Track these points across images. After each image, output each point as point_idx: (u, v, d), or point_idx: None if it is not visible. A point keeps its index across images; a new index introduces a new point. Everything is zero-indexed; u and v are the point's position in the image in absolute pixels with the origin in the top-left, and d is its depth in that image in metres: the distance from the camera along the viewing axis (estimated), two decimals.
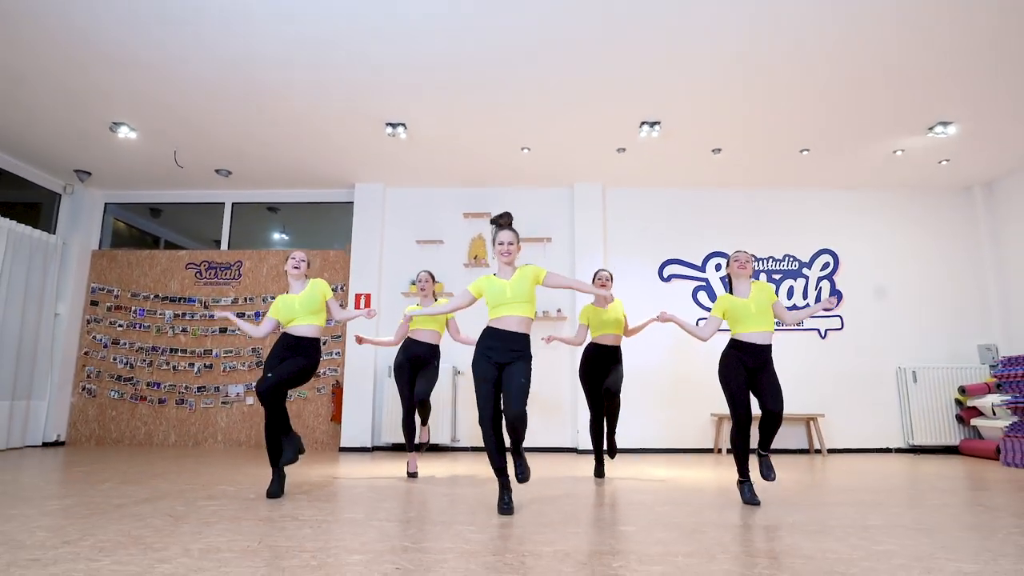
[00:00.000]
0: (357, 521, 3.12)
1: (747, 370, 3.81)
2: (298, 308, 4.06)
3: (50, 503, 3.50)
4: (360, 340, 5.05)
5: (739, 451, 3.83)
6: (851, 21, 4.47)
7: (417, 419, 5.06)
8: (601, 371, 4.93)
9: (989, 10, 4.30)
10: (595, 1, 4.30)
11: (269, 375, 3.88)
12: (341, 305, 6.94)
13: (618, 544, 2.68)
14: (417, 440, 5.09)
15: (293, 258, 4.16)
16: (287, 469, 4.81)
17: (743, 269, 3.93)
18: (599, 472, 4.98)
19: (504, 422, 3.48)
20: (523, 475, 3.48)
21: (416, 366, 5.01)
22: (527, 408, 3.47)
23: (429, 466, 5.69)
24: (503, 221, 3.77)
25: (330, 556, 2.42)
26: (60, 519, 3.06)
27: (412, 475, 4.91)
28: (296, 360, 3.98)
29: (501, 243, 3.66)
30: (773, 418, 3.76)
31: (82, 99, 5.70)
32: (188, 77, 5.35)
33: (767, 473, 3.85)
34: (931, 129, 6.10)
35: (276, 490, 3.84)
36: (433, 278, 5.18)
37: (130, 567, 2.23)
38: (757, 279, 6.70)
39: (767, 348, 3.84)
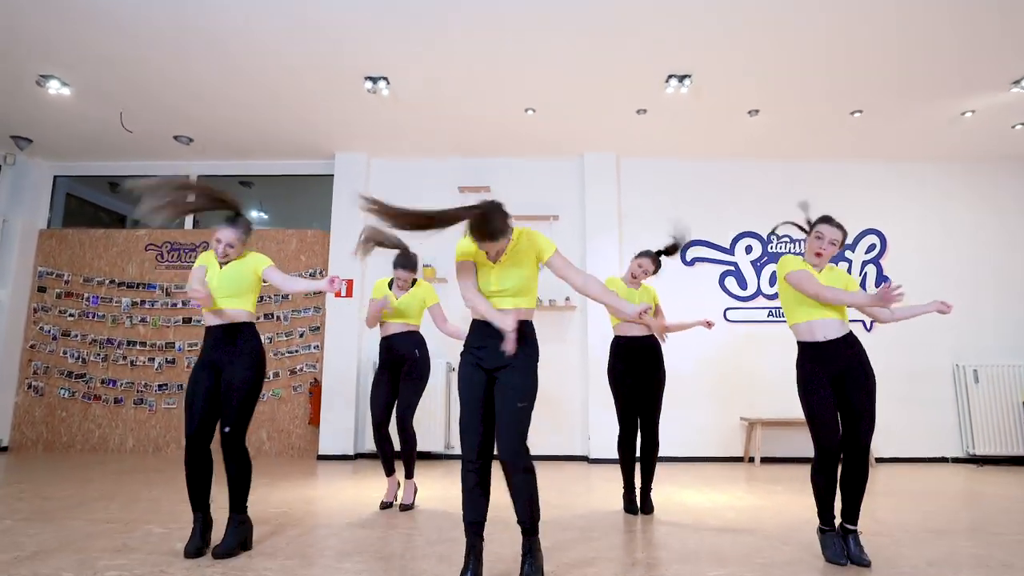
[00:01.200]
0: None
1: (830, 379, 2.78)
2: (216, 287, 2.92)
3: None
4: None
5: (820, 491, 2.81)
6: None
7: (395, 439, 3.92)
8: (636, 374, 3.82)
9: None
10: None
11: (226, 429, 2.81)
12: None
13: None
14: (393, 498, 3.93)
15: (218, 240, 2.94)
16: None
17: (821, 256, 2.89)
18: (630, 506, 3.83)
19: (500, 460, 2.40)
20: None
21: (396, 368, 3.95)
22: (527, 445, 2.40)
23: (418, 479, 4.78)
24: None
25: None
26: None
27: (386, 505, 3.87)
28: (240, 371, 2.86)
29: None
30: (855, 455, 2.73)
31: (3, 47, 4.73)
32: (128, 22, 4.40)
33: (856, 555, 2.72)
34: (1017, 83, 5.10)
35: (195, 547, 2.78)
36: (412, 267, 3.98)
37: None
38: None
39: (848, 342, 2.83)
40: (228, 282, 2.94)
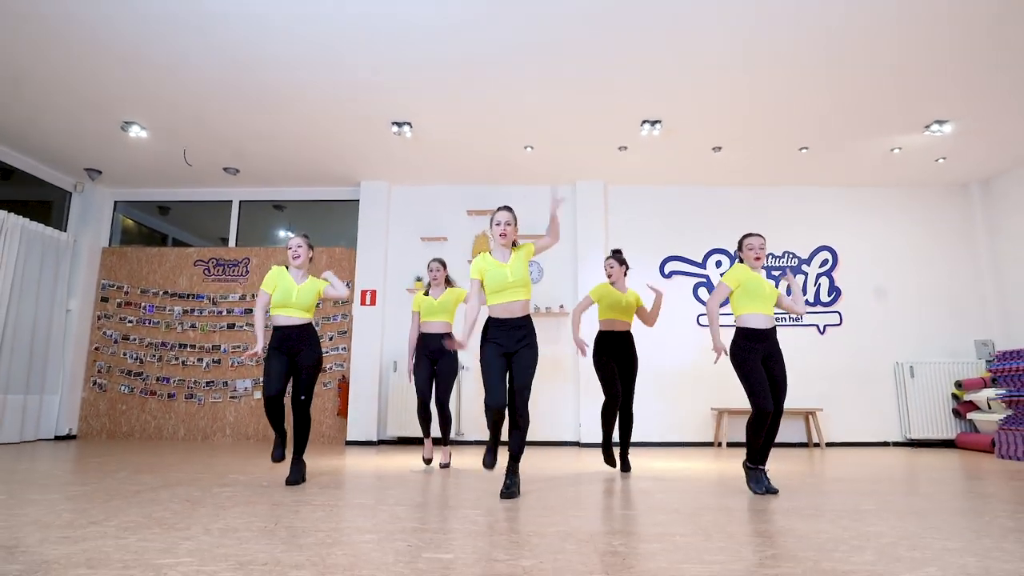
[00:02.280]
0: (368, 506, 3.24)
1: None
2: (295, 299, 4.09)
3: (71, 489, 3.63)
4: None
5: (757, 437, 3.73)
6: (848, 21, 4.57)
7: (434, 426, 5.07)
8: (617, 359, 4.77)
9: (985, 9, 4.40)
10: (596, 4, 4.41)
11: (302, 397, 4.03)
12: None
13: (619, 526, 2.80)
14: (431, 454, 5.03)
15: (288, 247, 4.23)
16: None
17: (758, 260, 3.86)
18: (609, 458, 4.81)
19: (508, 408, 3.59)
20: (510, 491, 3.49)
21: (433, 360, 4.97)
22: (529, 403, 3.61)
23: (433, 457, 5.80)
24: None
25: (344, 535, 2.53)
26: (83, 503, 3.19)
27: (427, 461, 4.96)
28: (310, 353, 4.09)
29: (499, 223, 3.67)
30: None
31: (94, 99, 5.83)
32: (198, 77, 5.47)
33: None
34: (927, 127, 6.20)
35: (281, 454, 4.16)
36: (444, 266, 5.10)
37: (155, 543, 2.35)
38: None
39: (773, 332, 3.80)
40: (304, 296, 4.15)
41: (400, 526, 2.73)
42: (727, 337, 4.61)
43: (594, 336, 4.95)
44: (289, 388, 4.08)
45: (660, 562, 2.17)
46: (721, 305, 3.93)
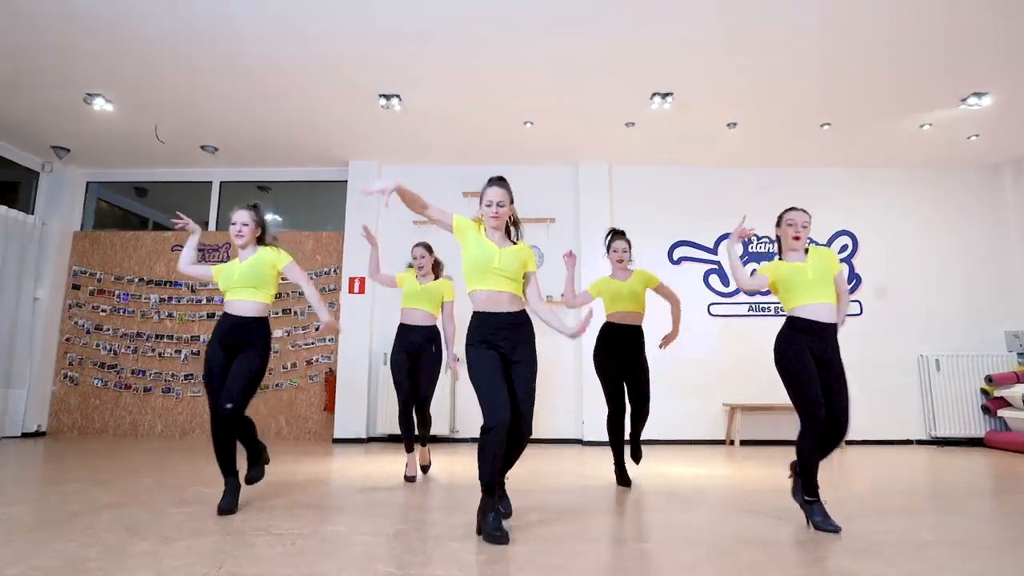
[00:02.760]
0: (339, 536, 2.77)
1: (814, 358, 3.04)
2: (237, 278, 3.34)
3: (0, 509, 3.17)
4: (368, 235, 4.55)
5: (811, 464, 3.01)
6: None
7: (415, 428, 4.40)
8: (621, 357, 4.14)
9: None
10: None
11: (228, 404, 3.15)
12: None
13: (634, 566, 2.32)
14: (415, 471, 4.36)
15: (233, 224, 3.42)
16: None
17: (797, 240, 3.16)
18: (622, 479, 4.16)
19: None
20: (498, 535, 2.66)
21: (414, 356, 4.35)
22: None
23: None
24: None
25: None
26: (2, 532, 2.72)
27: (410, 479, 4.30)
28: (247, 357, 3.26)
29: (489, 203, 2.90)
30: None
31: (55, 69, 5.29)
32: (166, 47, 4.93)
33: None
34: (964, 100, 5.66)
35: (230, 503, 3.21)
36: (431, 251, 4.51)
37: None
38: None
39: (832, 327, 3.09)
40: (250, 270, 3.33)
41: (372, 570, 2.26)
42: (772, 328, 3.51)
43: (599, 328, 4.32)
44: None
45: None
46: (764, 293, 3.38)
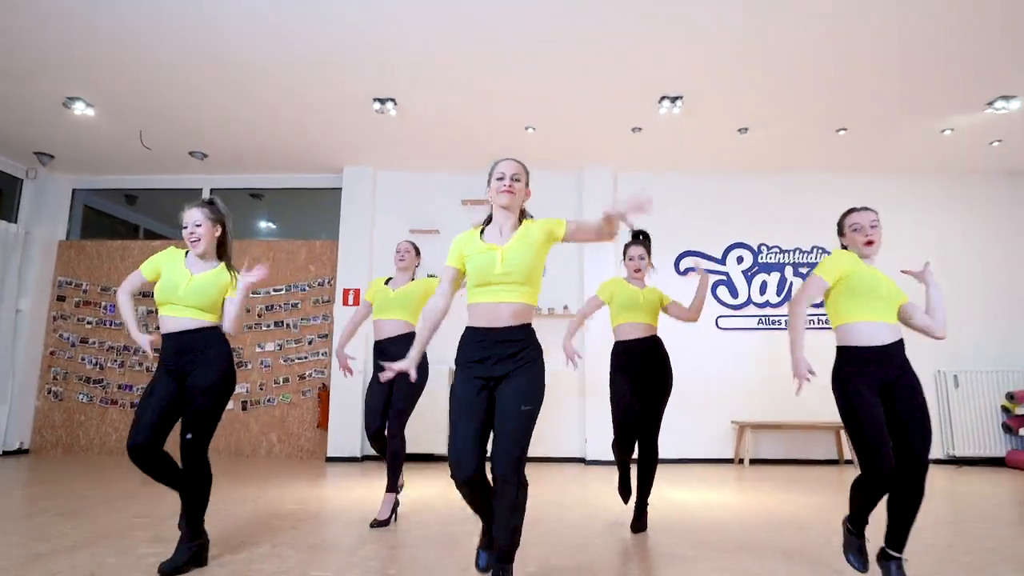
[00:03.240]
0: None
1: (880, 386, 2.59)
2: (182, 294, 2.77)
3: None
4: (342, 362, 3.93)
5: (866, 504, 2.63)
6: None
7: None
8: (636, 376, 3.56)
9: None
10: None
11: (187, 435, 2.65)
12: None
13: None
14: (382, 515, 3.61)
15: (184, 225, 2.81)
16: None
17: (873, 244, 2.72)
18: (625, 491, 3.73)
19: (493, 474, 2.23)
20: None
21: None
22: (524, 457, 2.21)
23: (419, 484, 5.06)
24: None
25: None
26: None
27: (380, 523, 3.54)
28: (202, 387, 2.68)
29: (501, 176, 2.40)
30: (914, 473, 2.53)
31: (31, 71, 5.03)
32: (147, 48, 4.68)
33: None
34: (991, 104, 5.39)
35: (173, 565, 2.60)
36: (417, 250, 4.02)
37: None
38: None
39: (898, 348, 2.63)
40: (198, 290, 2.76)
41: None
42: (820, 357, 3.07)
43: (611, 348, 3.78)
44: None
45: None
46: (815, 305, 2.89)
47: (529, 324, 2.35)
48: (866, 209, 2.78)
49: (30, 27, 4.38)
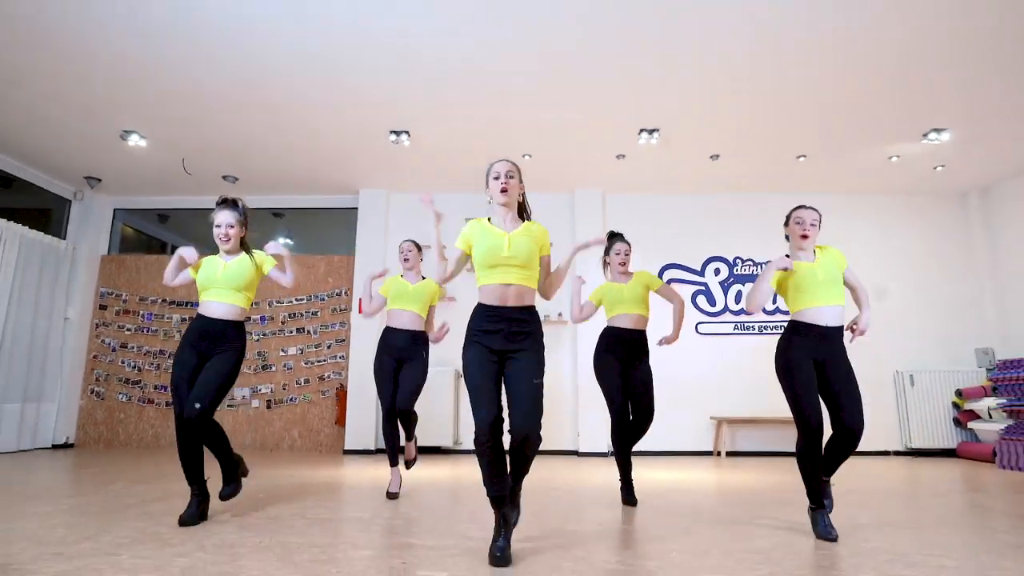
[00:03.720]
0: (363, 520, 3.22)
1: (816, 364, 2.99)
2: (221, 277, 3.28)
3: (65, 502, 3.62)
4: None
5: (810, 472, 2.99)
6: (845, 32, 4.57)
7: (400, 431, 4.17)
8: (623, 363, 3.92)
9: (982, 20, 4.40)
10: (593, 16, 4.41)
11: (196, 404, 3.05)
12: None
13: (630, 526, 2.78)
14: (403, 457, 4.21)
15: (216, 225, 3.41)
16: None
17: (807, 238, 3.09)
18: (628, 497, 3.93)
19: (509, 440, 2.50)
20: (502, 555, 2.42)
21: (399, 362, 4.10)
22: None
23: (429, 469, 5.79)
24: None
25: (339, 551, 2.52)
26: (76, 516, 3.17)
27: (392, 495, 4.03)
28: (222, 359, 3.17)
29: (496, 176, 2.71)
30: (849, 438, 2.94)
31: (93, 108, 5.83)
32: (195, 86, 5.46)
33: (826, 502, 3.01)
34: (925, 135, 6.19)
35: (192, 515, 3.07)
36: (419, 247, 4.43)
37: (149, 560, 2.34)
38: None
39: (839, 331, 3.01)
40: (231, 277, 3.25)
41: (396, 541, 2.72)
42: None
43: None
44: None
45: None
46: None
47: (533, 307, 2.66)
48: (812, 209, 3.16)
49: (91, 66, 5.12)
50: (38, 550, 2.47)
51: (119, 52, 4.91)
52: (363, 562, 2.36)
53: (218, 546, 2.58)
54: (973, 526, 3.16)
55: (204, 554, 2.44)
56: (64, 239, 7.85)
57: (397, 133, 6.31)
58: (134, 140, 6.41)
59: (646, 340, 4.02)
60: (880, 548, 2.66)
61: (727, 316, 7.78)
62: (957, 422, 7.21)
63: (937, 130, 6.07)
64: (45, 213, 8.01)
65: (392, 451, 4.10)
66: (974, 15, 4.34)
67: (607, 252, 4.19)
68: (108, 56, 4.97)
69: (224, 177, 7.62)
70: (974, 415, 7.02)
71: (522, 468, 2.53)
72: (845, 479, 5.16)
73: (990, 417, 6.71)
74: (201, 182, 7.76)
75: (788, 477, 5.23)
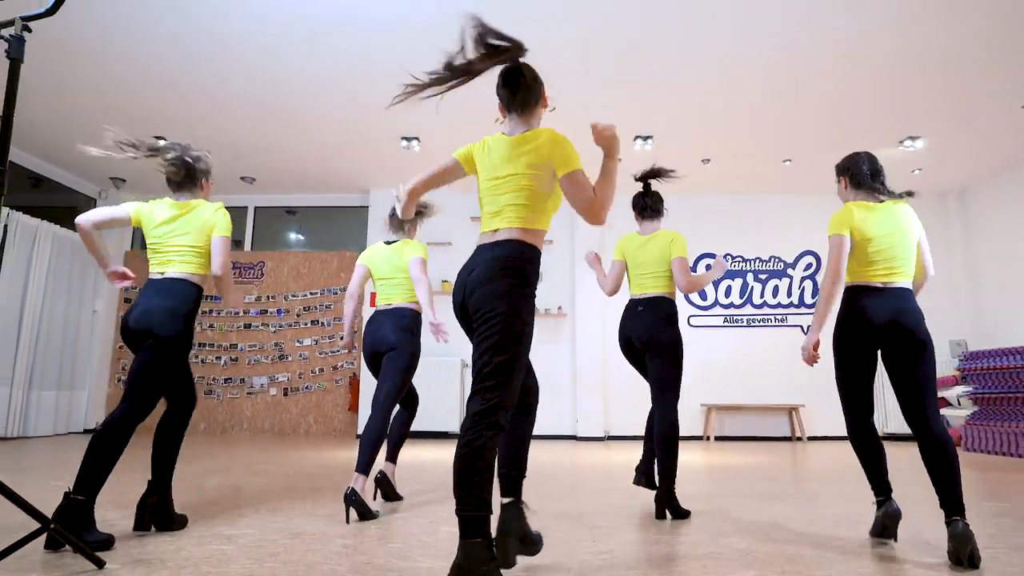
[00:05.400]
0: (325, 528, 3.70)
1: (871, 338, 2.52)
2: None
3: (125, 476, 4.10)
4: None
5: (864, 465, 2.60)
6: (822, 45, 5.01)
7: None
8: (641, 339, 3.27)
9: (955, 31, 4.84)
10: (591, 34, 4.85)
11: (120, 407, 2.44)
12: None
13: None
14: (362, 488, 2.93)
15: None
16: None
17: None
18: (637, 476, 3.32)
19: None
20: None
21: (376, 357, 3.33)
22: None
23: (435, 453, 6.27)
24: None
25: (380, 522, 2.99)
26: (144, 482, 3.65)
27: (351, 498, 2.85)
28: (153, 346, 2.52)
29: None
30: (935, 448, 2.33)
31: (121, 114, 6.27)
32: (220, 94, 5.91)
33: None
34: (901, 143, 6.64)
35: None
36: (397, 225, 3.75)
37: (219, 519, 2.81)
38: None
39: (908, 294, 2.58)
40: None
41: (375, 563, 3.19)
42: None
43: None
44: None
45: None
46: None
47: (524, 244, 2.08)
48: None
49: (120, 74, 5.56)
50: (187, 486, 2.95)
51: (150, 61, 5.35)
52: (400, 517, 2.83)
53: (272, 510, 3.05)
54: (922, 499, 3.64)
55: (261, 516, 2.91)
56: None
57: (408, 140, 6.75)
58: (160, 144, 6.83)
59: (669, 308, 3.37)
60: (837, 513, 3.13)
61: (717, 310, 8.25)
62: None
63: (912, 137, 6.52)
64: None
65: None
66: (948, 27, 4.76)
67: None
68: (137, 64, 5.41)
69: (242, 178, 8.07)
70: (945, 403, 7.51)
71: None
72: (826, 462, 5.65)
73: (959, 404, 7.19)
74: (220, 182, 8.19)
75: (774, 458, 5.71)
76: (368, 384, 7.89)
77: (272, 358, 8.30)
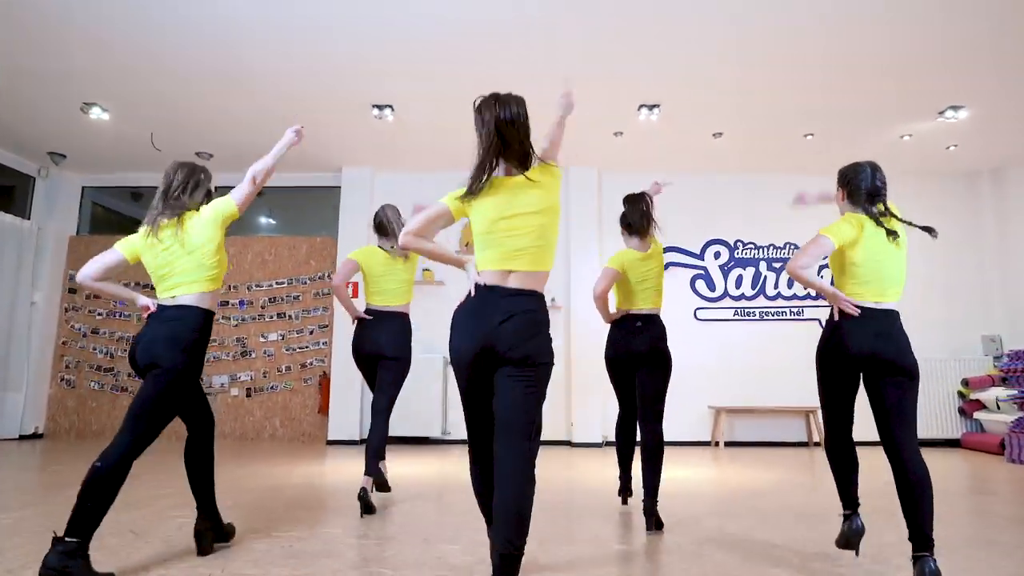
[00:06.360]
0: (334, 538, 2.91)
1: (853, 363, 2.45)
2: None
3: (1, 517, 3.29)
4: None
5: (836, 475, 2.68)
6: (861, 2, 4.19)
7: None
8: (632, 354, 3.35)
9: None
10: None
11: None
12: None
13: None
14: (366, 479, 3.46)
15: None
16: None
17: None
18: (624, 489, 3.65)
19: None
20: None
21: (372, 359, 3.62)
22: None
23: (415, 464, 5.49)
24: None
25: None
26: (6, 538, 2.85)
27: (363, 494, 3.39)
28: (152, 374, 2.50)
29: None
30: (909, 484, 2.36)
31: (52, 79, 5.40)
32: (163, 57, 5.05)
33: None
34: (941, 113, 5.85)
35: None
36: (384, 232, 3.79)
37: None
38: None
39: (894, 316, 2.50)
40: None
41: (367, 572, 2.41)
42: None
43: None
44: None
45: None
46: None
47: (538, 296, 2.26)
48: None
49: (49, 34, 4.72)
50: None
51: (79, 18, 4.49)
52: None
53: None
54: (996, 543, 2.88)
55: None
56: (28, 219, 7.41)
57: (380, 107, 5.90)
58: (96, 113, 5.97)
59: (659, 324, 3.48)
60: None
61: (727, 301, 7.47)
62: (962, 412, 6.97)
63: (955, 107, 5.72)
64: (7, 191, 7.56)
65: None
66: None
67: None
68: (67, 22, 4.55)
69: (198, 154, 7.18)
70: (980, 405, 6.78)
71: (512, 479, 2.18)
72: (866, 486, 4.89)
73: (998, 408, 6.46)
74: (172, 158, 7.28)
75: (789, 474, 4.95)
76: (340, 384, 7.09)
77: (234, 355, 7.47)
